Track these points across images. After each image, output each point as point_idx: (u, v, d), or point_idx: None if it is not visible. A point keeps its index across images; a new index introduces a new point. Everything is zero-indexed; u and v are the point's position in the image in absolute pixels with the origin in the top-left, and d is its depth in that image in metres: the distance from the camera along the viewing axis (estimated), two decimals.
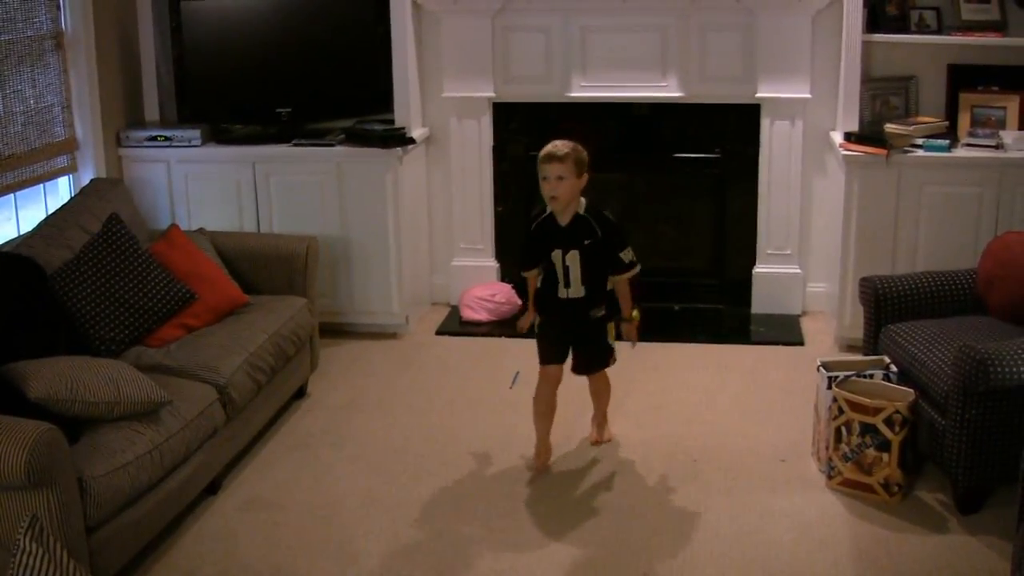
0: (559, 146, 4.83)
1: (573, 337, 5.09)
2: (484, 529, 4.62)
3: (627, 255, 4.97)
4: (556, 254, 4.91)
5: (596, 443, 5.35)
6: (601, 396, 5.34)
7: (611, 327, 5.12)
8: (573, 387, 5.22)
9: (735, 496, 4.83)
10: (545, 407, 5.10)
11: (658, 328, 6.76)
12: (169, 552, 4.49)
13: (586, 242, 4.87)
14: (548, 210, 4.91)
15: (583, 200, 4.91)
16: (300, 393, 5.90)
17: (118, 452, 4.10)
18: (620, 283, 5.04)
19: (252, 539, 4.60)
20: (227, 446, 4.94)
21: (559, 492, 4.93)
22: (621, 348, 5.18)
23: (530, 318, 5.14)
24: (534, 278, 5.10)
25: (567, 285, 4.94)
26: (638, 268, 5.02)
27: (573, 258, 4.90)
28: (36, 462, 3.61)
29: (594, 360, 5.17)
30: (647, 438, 5.40)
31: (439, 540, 4.54)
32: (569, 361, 5.13)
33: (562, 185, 4.78)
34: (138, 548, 4.30)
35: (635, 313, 5.10)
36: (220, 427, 4.79)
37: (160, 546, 4.50)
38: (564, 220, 4.89)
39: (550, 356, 5.08)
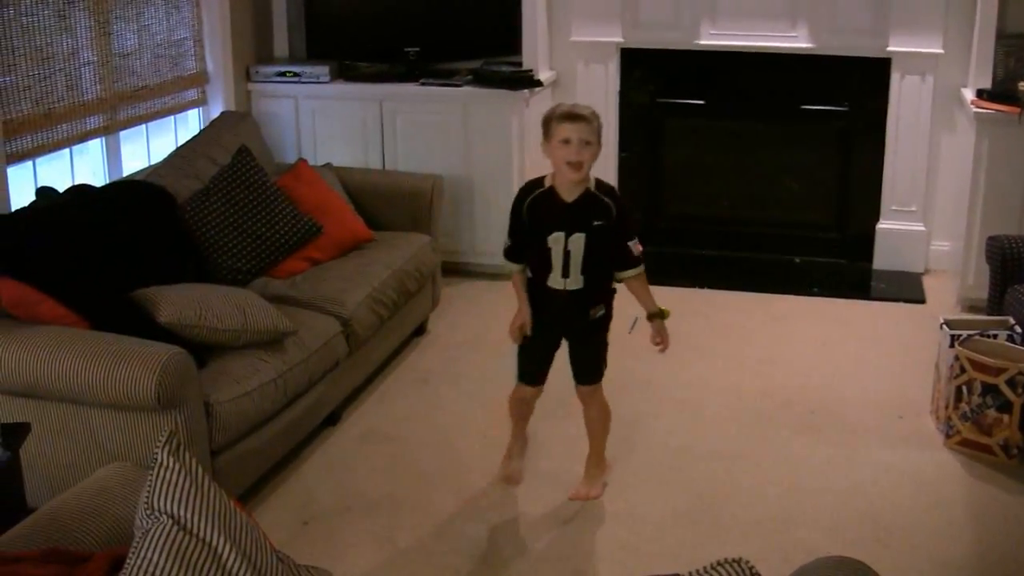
0: (581, 106, 4.11)
1: (566, 336, 4.36)
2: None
3: (636, 247, 4.17)
4: (556, 237, 4.11)
5: (574, 498, 4.45)
6: (596, 428, 4.52)
7: (636, 321, 4.51)
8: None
9: (850, 450, 4.81)
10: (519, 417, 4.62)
11: (778, 280, 6.77)
12: (288, 480, 4.59)
13: (596, 223, 4.08)
14: (545, 184, 4.17)
15: (592, 176, 4.15)
16: (420, 330, 5.97)
17: (243, 379, 4.19)
18: (634, 283, 4.23)
19: (369, 470, 4.69)
20: (348, 378, 5.03)
21: (670, 437, 4.94)
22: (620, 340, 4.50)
23: (521, 318, 4.34)
24: (521, 274, 4.34)
25: (565, 275, 4.16)
26: (643, 268, 4.23)
27: (577, 243, 4.10)
28: (166, 384, 3.71)
29: (586, 368, 4.39)
30: (764, 388, 5.39)
31: (555, 479, 4.57)
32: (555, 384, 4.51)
33: (588, 151, 4.01)
34: (258, 474, 4.40)
35: (665, 310, 4.28)
36: (342, 359, 4.86)
37: (279, 474, 4.59)
38: (571, 196, 4.11)
39: (530, 372, 4.46)
